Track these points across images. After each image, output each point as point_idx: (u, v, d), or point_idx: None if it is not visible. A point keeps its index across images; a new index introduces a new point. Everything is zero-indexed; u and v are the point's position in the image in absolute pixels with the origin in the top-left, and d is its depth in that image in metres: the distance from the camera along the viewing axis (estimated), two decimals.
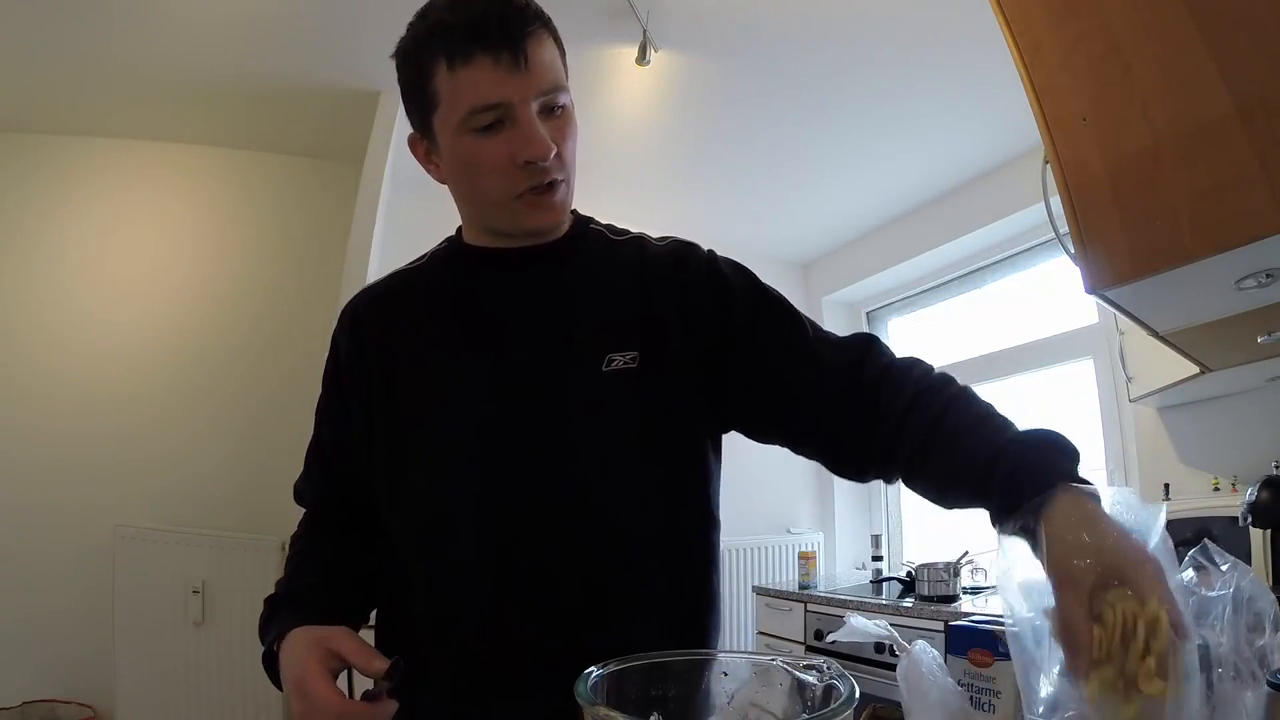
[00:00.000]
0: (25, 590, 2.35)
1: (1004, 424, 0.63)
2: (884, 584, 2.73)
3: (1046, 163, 1.08)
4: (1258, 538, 1.62)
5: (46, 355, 2.53)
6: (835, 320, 3.82)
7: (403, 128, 0.78)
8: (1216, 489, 2.06)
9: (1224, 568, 0.56)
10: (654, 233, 0.87)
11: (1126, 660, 0.44)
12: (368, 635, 0.72)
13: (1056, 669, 0.47)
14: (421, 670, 0.58)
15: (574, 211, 0.83)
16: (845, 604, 2.52)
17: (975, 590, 2.42)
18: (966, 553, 2.44)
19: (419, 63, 0.70)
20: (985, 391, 0.68)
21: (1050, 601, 0.49)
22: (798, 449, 0.77)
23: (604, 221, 0.87)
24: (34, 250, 2.58)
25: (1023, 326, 3.01)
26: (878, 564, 3.18)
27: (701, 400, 0.78)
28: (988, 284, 3.26)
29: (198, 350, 2.67)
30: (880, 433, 0.69)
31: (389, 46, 0.74)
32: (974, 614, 0.88)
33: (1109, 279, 1.01)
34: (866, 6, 2.06)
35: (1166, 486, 2.16)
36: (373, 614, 0.82)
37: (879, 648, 2.18)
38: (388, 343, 0.79)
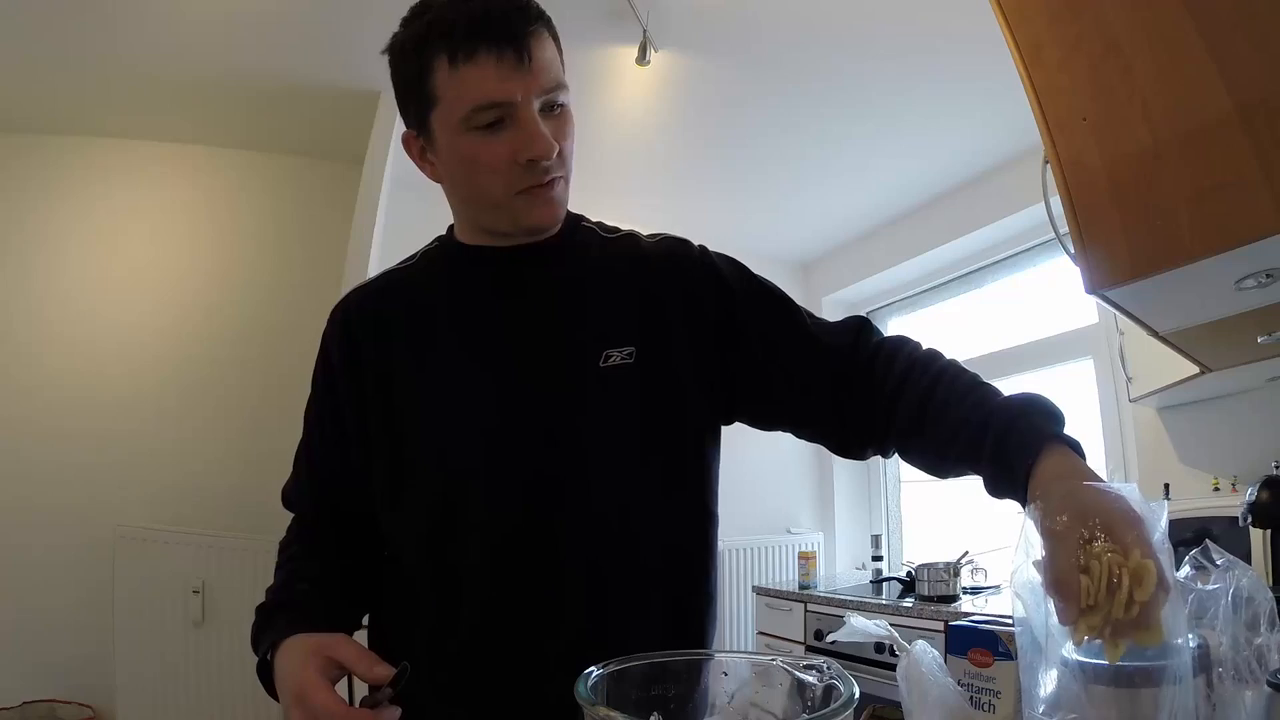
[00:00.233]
0: (25, 590, 2.35)
1: (992, 392, 0.66)
2: (884, 584, 2.73)
3: (1046, 163, 1.08)
4: (1258, 538, 1.62)
5: (47, 355, 2.53)
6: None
7: (402, 128, 0.78)
8: (1216, 489, 2.06)
9: (1220, 564, 0.56)
10: (651, 232, 0.87)
11: (1112, 608, 0.46)
12: (359, 640, 0.72)
13: (1052, 619, 0.49)
14: (421, 674, 0.58)
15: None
16: (845, 604, 2.52)
17: (975, 590, 2.42)
18: (966, 553, 2.44)
19: (418, 59, 0.69)
20: None
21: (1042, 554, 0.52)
22: (800, 431, 0.80)
23: (594, 219, 0.87)
24: (34, 250, 2.58)
25: (1023, 326, 3.01)
26: (878, 564, 3.18)
27: (701, 394, 0.78)
28: (988, 284, 3.26)
29: (198, 350, 2.67)
30: (875, 408, 0.72)
31: (381, 54, 0.74)
32: (974, 614, 0.88)
33: (1109, 279, 1.00)
34: (867, 7, 2.06)
35: (1166, 486, 2.15)
36: (363, 619, 0.81)
37: (879, 648, 2.18)
38: (381, 343, 0.78)
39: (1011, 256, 3.09)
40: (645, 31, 2.12)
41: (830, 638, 1.95)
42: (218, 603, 2.39)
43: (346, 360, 0.78)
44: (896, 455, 0.74)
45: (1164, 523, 0.49)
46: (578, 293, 0.79)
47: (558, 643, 0.71)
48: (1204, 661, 0.53)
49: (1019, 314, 3.07)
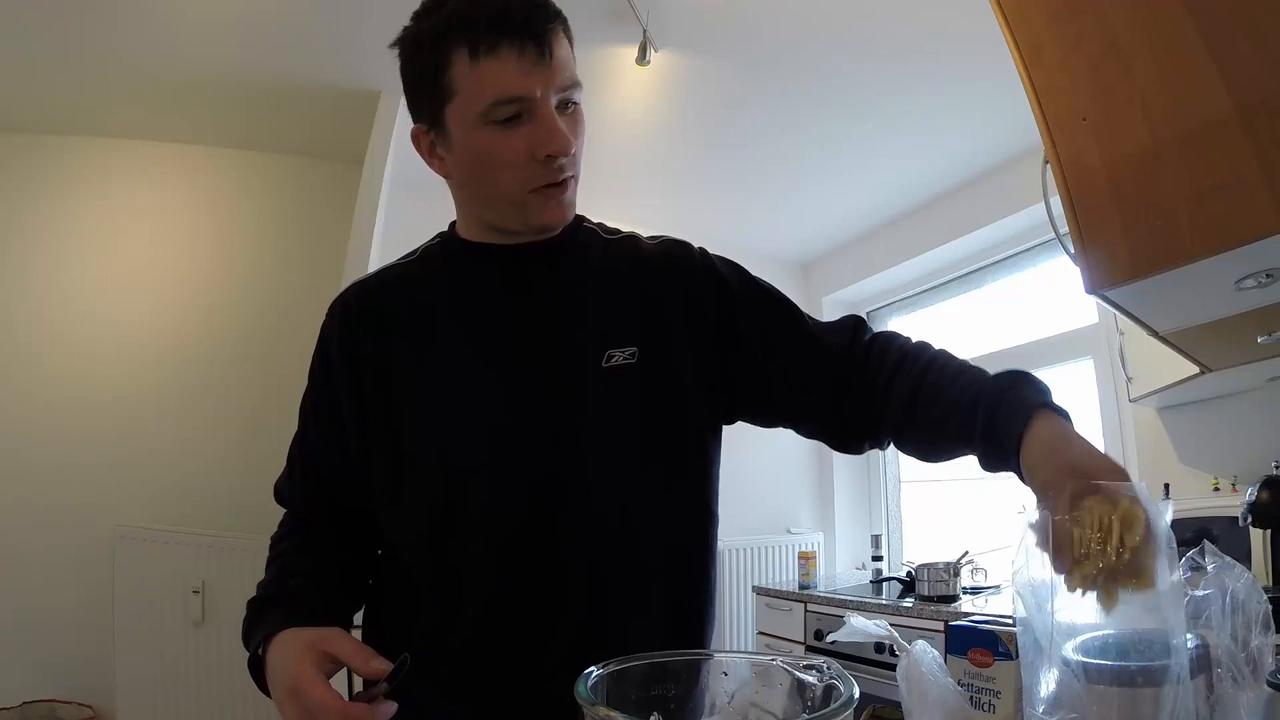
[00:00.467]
0: (25, 590, 2.35)
1: (979, 374, 0.69)
2: (884, 584, 2.73)
3: (1046, 163, 1.08)
4: (1258, 538, 1.62)
5: (48, 355, 2.53)
6: None
7: (403, 128, 0.78)
8: (1216, 489, 2.06)
9: (1211, 569, 0.56)
10: (651, 233, 0.88)
11: (1104, 556, 0.48)
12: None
13: (1050, 573, 0.51)
14: (420, 672, 0.58)
15: None
16: (845, 604, 2.52)
17: (975, 590, 2.42)
18: (966, 553, 2.44)
19: (435, 52, 0.68)
20: None
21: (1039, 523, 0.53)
22: (799, 428, 0.81)
23: (595, 220, 0.87)
24: (34, 250, 2.58)
25: (1023, 327, 3.01)
26: (878, 564, 3.18)
27: (701, 394, 0.79)
28: (988, 284, 3.26)
29: (199, 350, 2.67)
30: (870, 403, 0.74)
31: (388, 48, 0.74)
32: (974, 614, 0.88)
33: (1109, 279, 1.00)
34: (866, 7, 2.06)
35: (1166, 487, 2.15)
36: (357, 616, 0.81)
37: (879, 648, 2.18)
38: (381, 338, 0.77)
39: (1011, 256, 3.09)
40: (645, 31, 2.12)
41: (830, 638, 1.95)
42: (218, 603, 2.39)
43: (345, 354, 0.78)
44: (893, 446, 0.76)
45: (1167, 520, 0.50)
46: (581, 292, 0.79)
47: (558, 640, 0.71)
48: (1204, 662, 0.53)
49: (1019, 314, 3.07)
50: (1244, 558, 1.62)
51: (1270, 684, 0.52)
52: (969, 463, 0.68)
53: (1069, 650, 0.50)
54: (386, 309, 0.79)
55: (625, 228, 0.88)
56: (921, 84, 2.39)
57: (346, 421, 0.78)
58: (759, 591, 2.96)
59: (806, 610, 2.65)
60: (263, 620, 0.68)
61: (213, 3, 2.05)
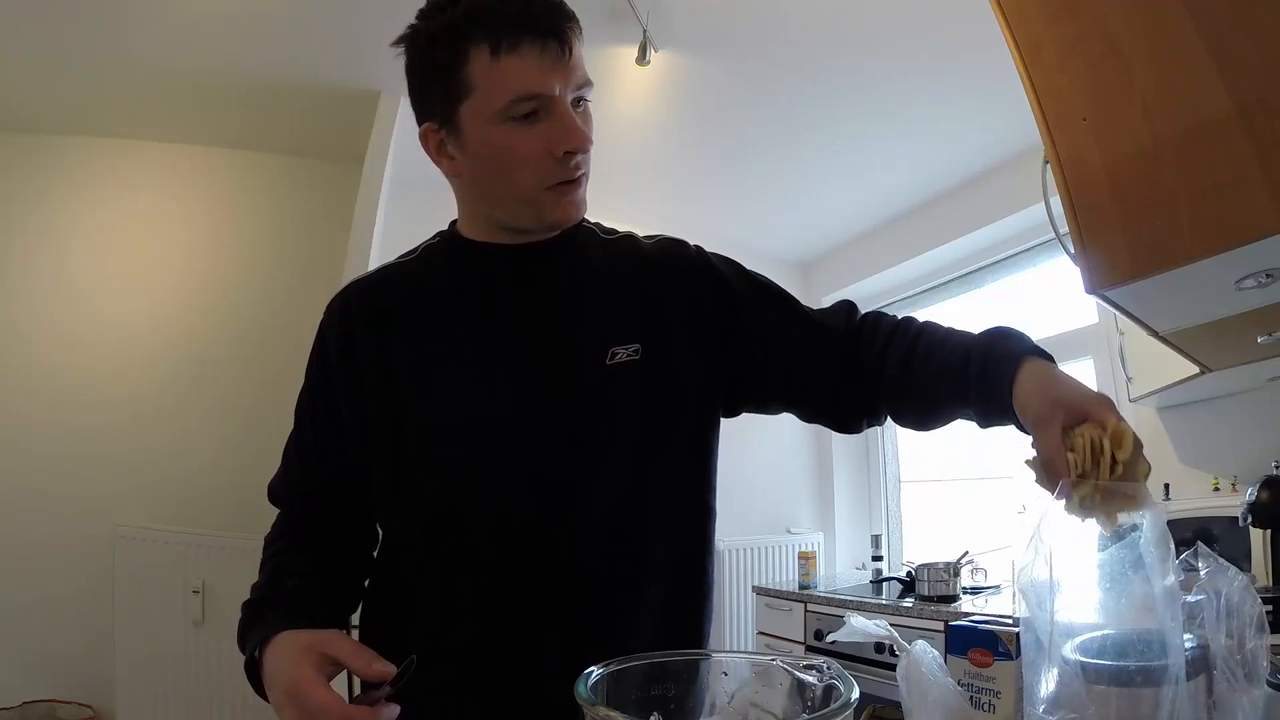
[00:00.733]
0: (25, 590, 2.35)
1: (965, 336, 0.72)
2: (884, 584, 2.73)
3: (1046, 163, 1.08)
4: (1258, 538, 1.62)
5: (50, 353, 2.53)
6: None
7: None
8: (1216, 489, 2.06)
9: (1204, 573, 0.56)
10: (650, 232, 0.88)
11: (1098, 475, 0.52)
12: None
13: (1051, 503, 0.53)
14: (419, 671, 0.58)
15: None
16: (845, 604, 2.52)
17: (975, 590, 2.42)
18: (966, 552, 2.44)
19: (452, 48, 0.68)
20: None
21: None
22: (801, 412, 0.83)
23: (593, 220, 0.87)
24: (37, 249, 2.58)
25: (1023, 327, 2.99)
26: (878, 564, 3.18)
27: (702, 391, 0.79)
28: (988, 284, 3.26)
29: (199, 350, 2.67)
30: (866, 377, 0.77)
31: (389, 46, 0.74)
32: (974, 614, 0.88)
33: (1109, 279, 1.00)
34: (866, 7, 2.06)
35: (1166, 487, 2.15)
36: (354, 617, 0.80)
37: (879, 648, 2.18)
38: (381, 336, 0.77)
39: (1011, 256, 3.09)
40: (645, 31, 2.12)
41: (830, 638, 1.95)
42: (218, 602, 2.39)
43: (344, 352, 0.77)
44: (890, 419, 0.79)
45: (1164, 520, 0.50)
46: (583, 291, 0.79)
47: (558, 639, 0.71)
48: (1203, 663, 0.53)
49: (1019, 314, 3.07)
50: (1244, 558, 1.62)
51: (1270, 685, 0.52)
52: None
53: (1069, 650, 0.50)
54: (387, 306, 0.79)
55: (622, 227, 0.88)
56: (921, 84, 2.39)
57: (345, 420, 0.77)
58: (759, 591, 2.96)
59: (806, 610, 2.65)
60: (259, 622, 0.67)
61: (213, 2, 2.05)
